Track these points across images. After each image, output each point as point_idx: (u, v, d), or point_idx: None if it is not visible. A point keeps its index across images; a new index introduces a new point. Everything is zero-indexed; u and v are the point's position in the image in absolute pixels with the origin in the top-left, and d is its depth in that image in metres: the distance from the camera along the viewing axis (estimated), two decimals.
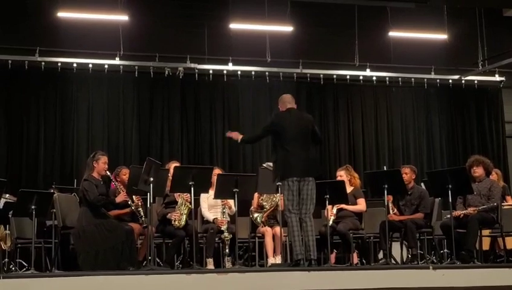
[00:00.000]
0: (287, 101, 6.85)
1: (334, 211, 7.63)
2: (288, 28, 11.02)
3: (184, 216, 7.39)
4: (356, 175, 8.13)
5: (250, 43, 11.05)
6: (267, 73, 11.28)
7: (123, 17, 10.37)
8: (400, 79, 11.89)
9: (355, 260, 7.72)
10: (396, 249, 8.21)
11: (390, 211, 7.69)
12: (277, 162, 6.63)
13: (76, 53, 10.53)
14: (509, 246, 8.20)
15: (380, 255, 8.41)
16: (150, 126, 11.09)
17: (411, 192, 7.68)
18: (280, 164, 6.58)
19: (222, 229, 7.49)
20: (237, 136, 7.05)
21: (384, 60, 11.68)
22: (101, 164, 7.15)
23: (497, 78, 12.18)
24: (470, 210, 7.28)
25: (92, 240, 6.81)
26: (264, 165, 7.58)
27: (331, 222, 7.41)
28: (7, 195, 8.08)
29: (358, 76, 11.67)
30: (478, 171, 7.50)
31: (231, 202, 7.54)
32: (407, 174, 7.74)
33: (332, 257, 7.98)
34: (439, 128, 12.36)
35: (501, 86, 12.36)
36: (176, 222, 7.37)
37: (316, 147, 7.04)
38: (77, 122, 10.75)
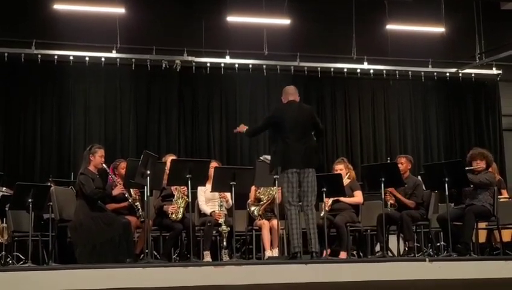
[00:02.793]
0: (290, 93, 6.86)
1: (330, 201, 7.65)
2: (285, 21, 11.01)
3: (181, 209, 7.40)
4: (351, 167, 8.15)
5: (248, 36, 11.04)
6: (264, 66, 11.28)
7: (120, 10, 10.35)
8: (397, 72, 11.90)
9: (343, 256, 7.62)
10: (393, 242, 8.23)
11: (388, 203, 7.70)
12: (276, 154, 6.64)
13: (73, 46, 10.51)
14: (505, 239, 8.22)
15: (377, 248, 8.43)
16: (147, 119, 11.08)
17: (406, 182, 7.69)
18: (279, 156, 6.58)
19: (219, 222, 7.49)
20: (243, 128, 7.06)
21: (382, 53, 11.68)
22: (98, 157, 7.14)
23: (494, 71, 12.20)
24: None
25: (89, 233, 6.81)
26: (261, 158, 7.59)
27: (322, 213, 7.41)
28: (4, 188, 8.07)
29: (356, 69, 11.68)
30: (481, 164, 7.49)
31: (228, 195, 7.54)
32: (403, 164, 7.76)
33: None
34: (436, 121, 12.37)
35: (498, 79, 12.37)
36: (173, 215, 7.38)
37: (319, 138, 7.03)
38: (74, 115, 10.73)
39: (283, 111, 6.71)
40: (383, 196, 7.33)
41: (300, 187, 6.52)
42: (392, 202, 7.76)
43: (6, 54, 10.21)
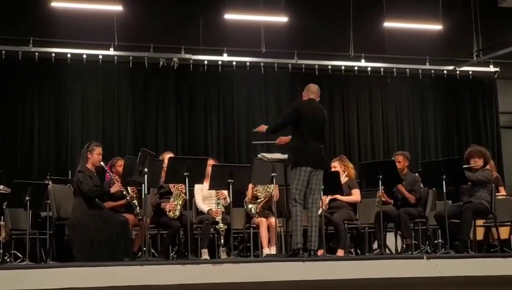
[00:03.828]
0: (311, 91, 6.88)
1: (327, 200, 7.65)
2: (283, 19, 11.00)
3: (179, 207, 7.40)
4: (351, 165, 8.13)
5: (245, 34, 11.04)
6: (262, 64, 11.28)
7: (117, 8, 10.34)
8: (394, 70, 11.90)
9: (341, 253, 7.62)
10: (390, 239, 8.23)
11: (377, 199, 7.72)
12: (292, 150, 6.65)
13: (71, 43, 10.50)
14: (502, 236, 8.24)
15: (375, 245, 8.44)
16: (145, 117, 11.08)
17: (404, 178, 7.69)
18: (295, 152, 6.59)
19: (217, 220, 7.49)
20: (262, 128, 7.01)
21: (379, 51, 11.67)
22: (95, 155, 7.13)
23: (491, 68, 12.20)
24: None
25: (87, 231, 6.80)
26: (259, 155, 7.58)
27: (320, 211, 7.41)
28: (1, 186, 8.08)
29: (353, 67, 11.67)
30: (479, 162, 7.49)
31: (225, 192, 7.54)
32: (401, 162, 7.75)
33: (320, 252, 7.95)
34: (433, 118, 12.38)
35: (495, 76, 12.38)
36: (171, 213, 7.37)
37: None
38: (72, 113, 10.73)
39: (303, 108, 6.71)
40: (380, 193, 7.34)
41: (308, 185, 6.53)
42: (384, 199, 7.73)
43: (3, 52, 10.20)
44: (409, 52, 11.73)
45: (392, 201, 7.78)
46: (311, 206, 6.57)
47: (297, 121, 6.64)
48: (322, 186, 6.73)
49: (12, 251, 8.03)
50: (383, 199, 7.51)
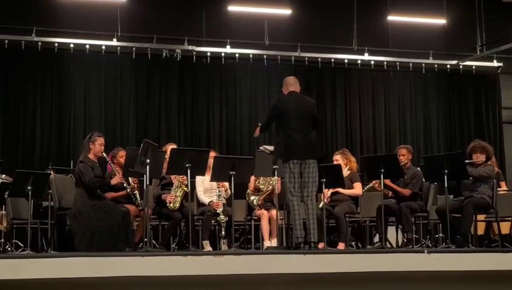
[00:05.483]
0: (290, 84, 6.86)
1: (329, 193, 7.65)
2: (286, 11, 10.98)
3: (179, 199, 7.40)
4: (353, 159, 8.12)
5: (249, 26, 11.02)
6: (265, 56, 11.26)
7: None
8: (397, 64, 11.88)
9: (342, 247, 7.62)
10: (391, 233, 8.24)
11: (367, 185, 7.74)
12: (279, 145, 6.65)
13: (74, 33, 10.48)
14: (503, 231, 8.24)
15: (376, 238, 8.44)
16: (147, 108, 11.08)
17: (406, 172, 7.68)
18: (281, 147, 6.60)
19: (218, 211, 7.50)
20: (258, 131, 6.97)
21: (383, 45, 11.66)
22: (98, 145, 7.13)
23: (495, 63, 12.18)
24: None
25: (88, 222, 6.81)
26: (261, 148, 7.58)
27: (321, 205, 7.41)
28: (3, 175, 8.07)
29: (356, 60, 11.65)
30: (481, 157, 7.49)
31: (227, 184, 7.54)
32: (404, 155, 7.73)
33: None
34: (436, 113, 12.36)
35: (499, 71, 12.36)
36: (171, 205, 7.38)
37: (314, 131, 7.03)
38: (74, 103, 10.72)
39: (284, 102, 6.71)
40: (382, 187, 7.33)
41: (301, 178, 6.53)
42: (378, 188, 7.71)
43: (6, 41, 10.18)
44: (412, 46, 11.70)
45: (390, 193, 7.78)
46: (306, 199, 6.56)
47: (279, 117, 6.64)
48: (317, 178, 6.67)
49: (14, 241, 8.05)
50: (379, 189, 7.50)
